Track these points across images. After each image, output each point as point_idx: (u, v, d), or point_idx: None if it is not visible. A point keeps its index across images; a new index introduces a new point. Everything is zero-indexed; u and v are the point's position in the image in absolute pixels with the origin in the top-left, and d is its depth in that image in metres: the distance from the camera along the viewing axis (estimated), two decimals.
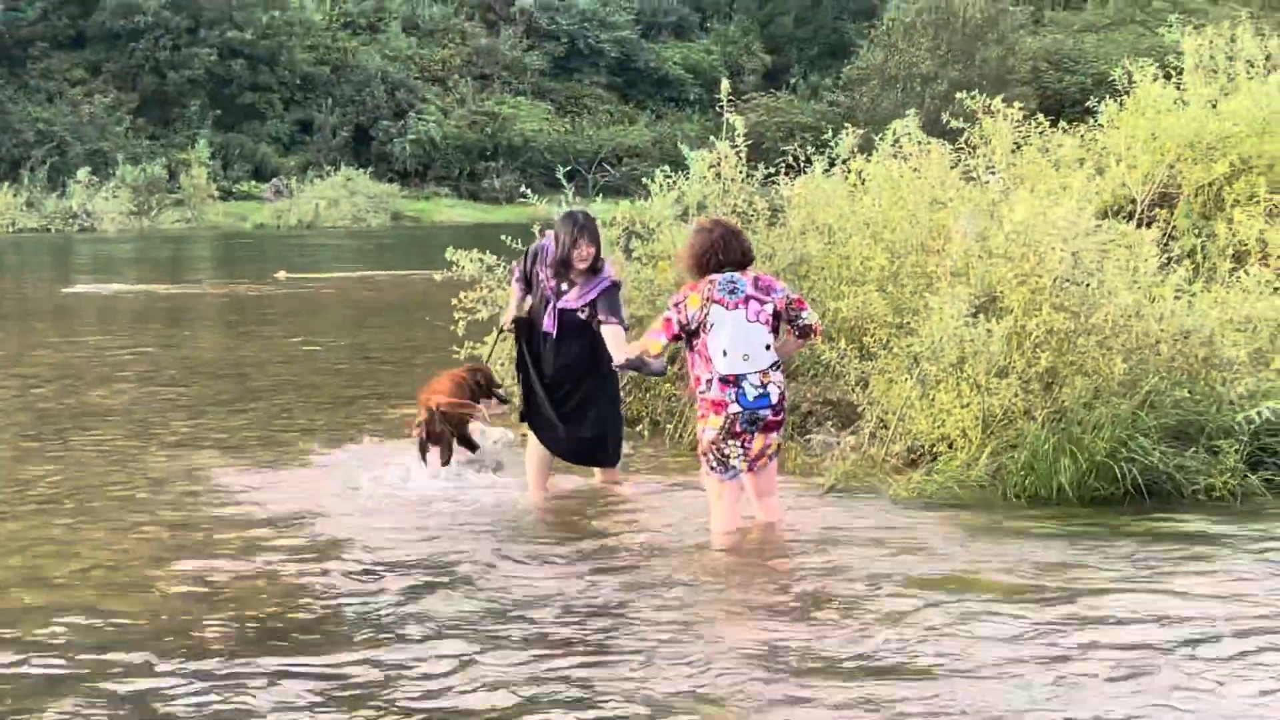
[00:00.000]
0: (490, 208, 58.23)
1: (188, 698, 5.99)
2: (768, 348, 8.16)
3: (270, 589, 7.55)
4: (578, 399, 9.46)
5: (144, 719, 5.84)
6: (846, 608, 7.11)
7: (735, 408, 8.10)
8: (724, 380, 8.12)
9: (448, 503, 9.44)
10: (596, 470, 9.85)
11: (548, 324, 9.34)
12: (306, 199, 54.66)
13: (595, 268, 9.29)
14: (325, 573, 7.82)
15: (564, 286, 9.29)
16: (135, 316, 22.22)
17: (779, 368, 8.25)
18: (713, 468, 8.29)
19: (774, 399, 8.15)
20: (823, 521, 8.81)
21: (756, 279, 8.32)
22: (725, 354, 8.10)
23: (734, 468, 8.24)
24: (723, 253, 8.28)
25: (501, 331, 9.99)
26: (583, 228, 9.22)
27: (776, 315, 8.24)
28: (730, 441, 8.17)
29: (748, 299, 8.18)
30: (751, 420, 8.12)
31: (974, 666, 6.24)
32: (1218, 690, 5.95)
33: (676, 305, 8.30)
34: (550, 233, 9.50)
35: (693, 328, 8.20)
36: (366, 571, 7.85)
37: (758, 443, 8.21)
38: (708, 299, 8.18)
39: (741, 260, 8.33)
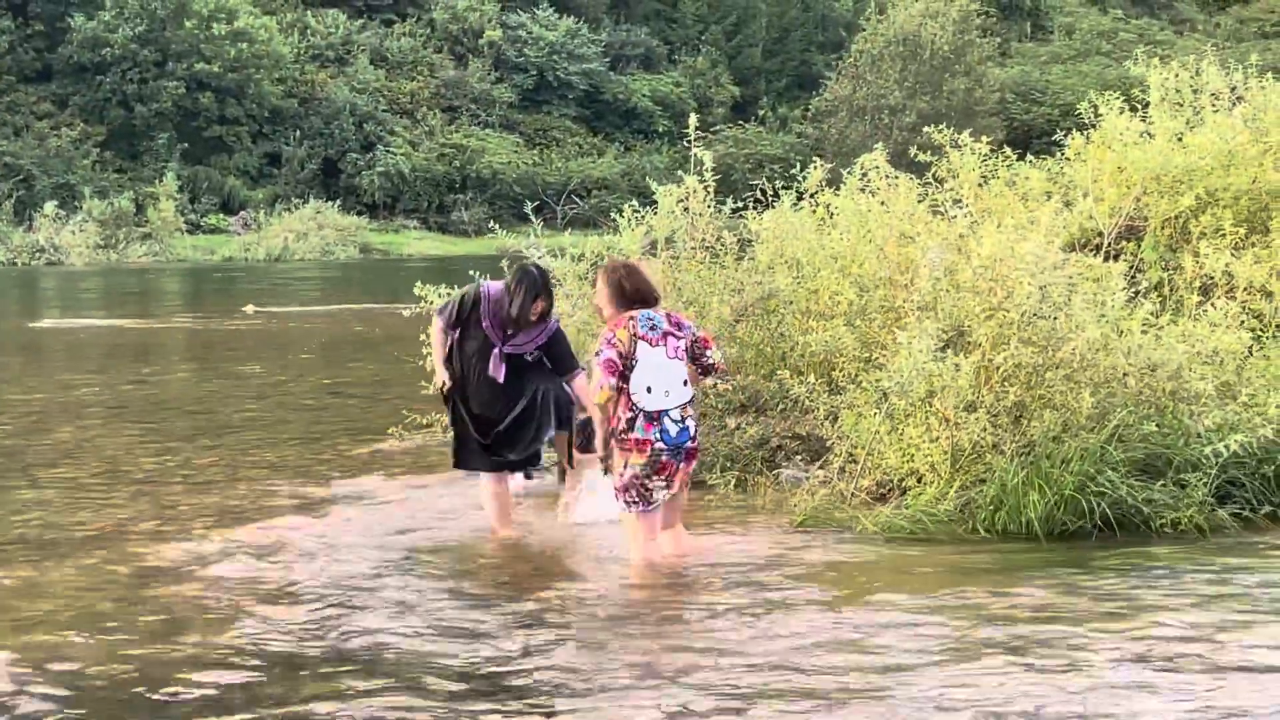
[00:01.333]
0: (459, 240, 58.29)
1: None
2: (685, 383, 8.36)
3: (235, 628, 7.49)
4: (518, 434, 9.44)
5: None
6: (801, 636, 7.10)
7: (660, 445, 8.25)
8: (649, 418, 8.26)
9: (420, 540, 9.40)
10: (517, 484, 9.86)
11: (494, 369, 9.28)
12: (275, 232, 54.63)
13: (543, 318, 9.36)
14: (292, 604, 7.77)
15: (509, 331, 9.28)
16: (103, 351, 22.12)
17: (693, 403, 8.44)
18: (632, 503, 8.40)
19: (692, 432, 8.37)
20: (787, 554, 8.80)
21: (669, 315, 8.53)
22: (650, 390, 8.26)
23: (655, 502, 8.39)
24: (630, 288, 8.44)
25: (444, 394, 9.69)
26: (539, 284, 9.26)
27: (688, 350, 8.45)
28: (655, 478, 8.32)
29: (665, 335, 8.38)
30: (674, 452, 8.29)
31: (944, 701, 6.22)
32: None
33: (610, 343, 8.36)
34: (490, 283, 9.47)
35: (624, 361, 8.30)
36: (332, 607, 7.80)
37: (682, 471, 8.38)
38: (633, 335, 8.33)
39: (647, 297, 8.49)
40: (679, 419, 8.30)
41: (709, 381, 9.09)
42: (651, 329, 8.37)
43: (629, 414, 8.30)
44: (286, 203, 57.88)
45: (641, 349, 8.31)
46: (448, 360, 9.48)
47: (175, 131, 60.39)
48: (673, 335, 8.41)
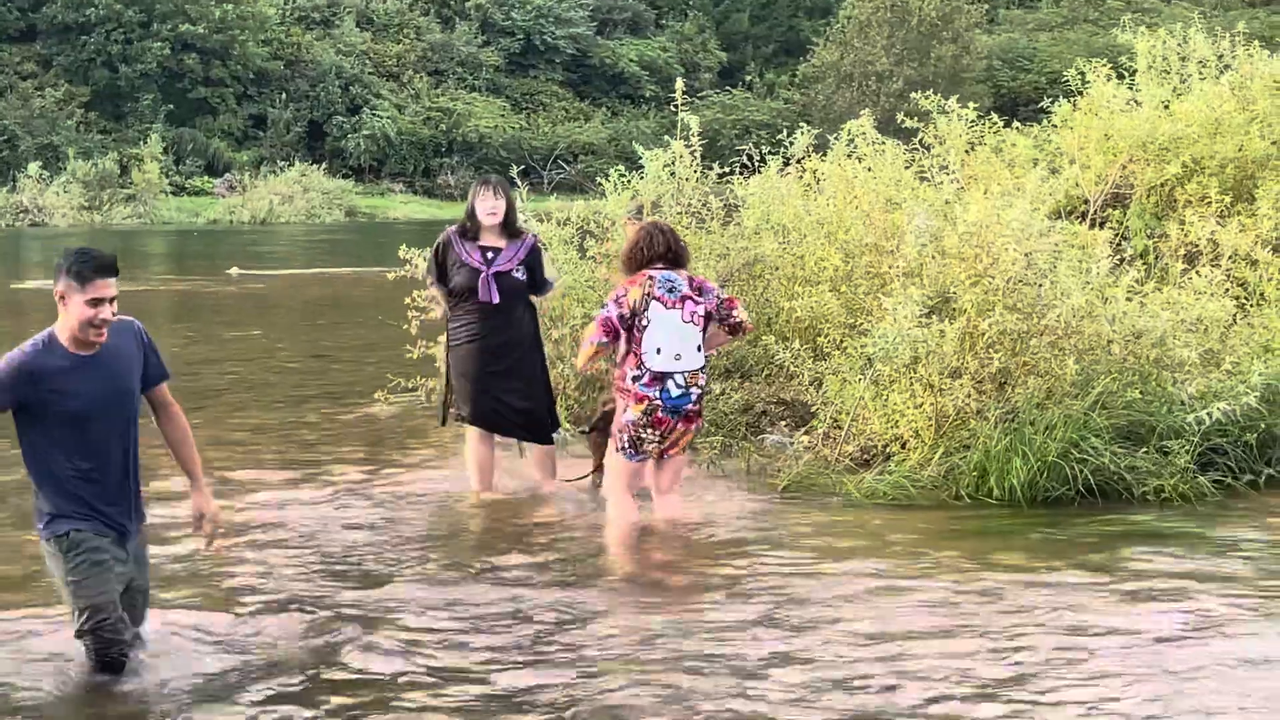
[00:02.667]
0: (445, 204, 58.13)
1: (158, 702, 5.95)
2: (698, 349, 8.37)
3: (220, 587, 7.48)
4: (519, 374, 9.41)
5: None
6: (778, 603, 7.11)
7: (658, 401, 8.33)
8: (654, 377, 8.32)
9: (405, 503, 9.40)
10: (532, 456, 9.76)
11: (485, 294, 9.27)
12: (260, 194, 54.38)
13: (513, 229, 9.39)
14: (268, 573, 7.77)
15: (489, 254, 9.27)
16: None
17: (705, 370, 8.46)
18: (622, 448, 8.49)
19: (694, 399, 8.40)
20: (770, 520, 8.83)
21: (692, 280, 8.52)
22: (659, 351, 8.30)
23: (645, 452, 8.46)
24: (647, 248, 8.48)
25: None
26: (488, 182, 9.46)
27: (708, 316, 8.44)
28: (649, 429, 8.39)
29: (684, 299, 8.37)
30: (674, 410, 8.33)
31: (924, 669, 6.24)
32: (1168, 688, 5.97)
33: (617, 300, 8.43)
34: (453, 226, 9.58)
35: (631, 321, 8.33)
36: (315, 573, 7.80)
37: (678, 431, 8.41)
38: (648, 294, 8.35)
39: (667, 255, 8.49)
40: (683, 384, 8.34)
41: (736, 342, 8.99)
42: (670, 290, 8.38)
43: (635, 371, 8.38)
44: (272, 165, 57.65)
45: (654, 309, 8.34)
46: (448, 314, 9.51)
47: (160, 93, 60.09)
48: (692, 299, 8.41)
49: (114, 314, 5.90)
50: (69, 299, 5.81)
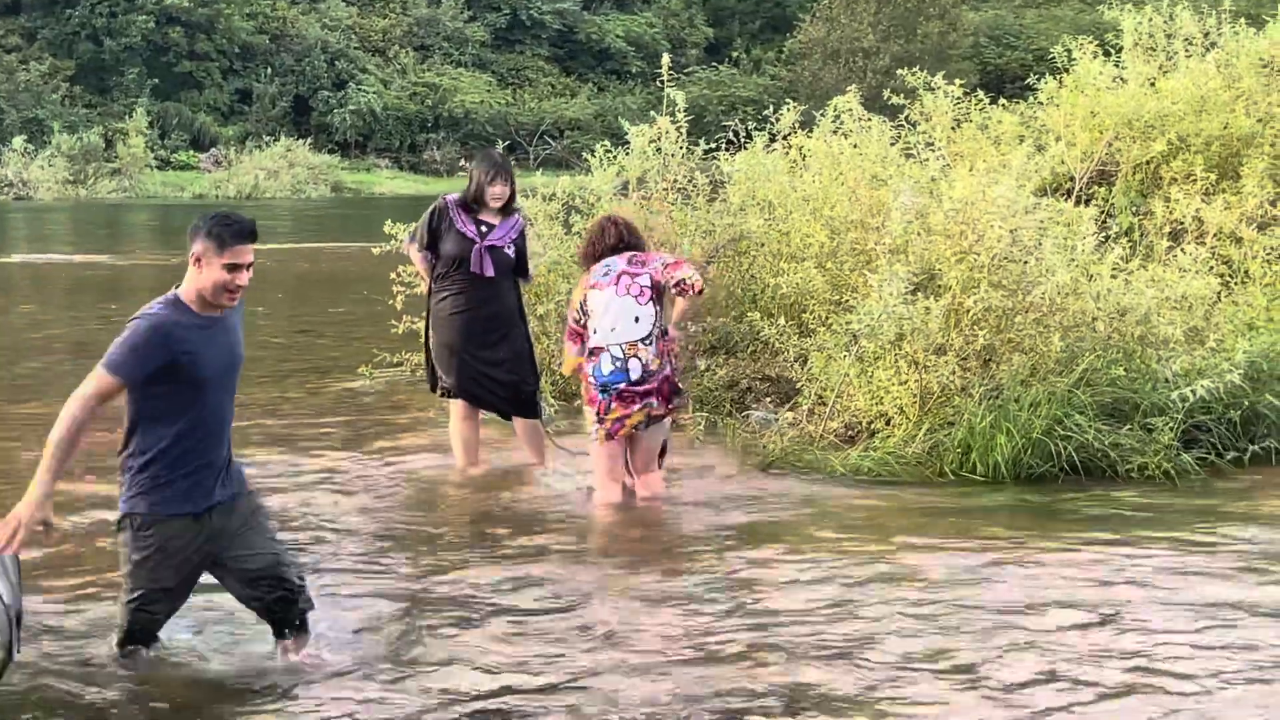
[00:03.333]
0: (430, 179, 57.95)
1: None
2: (636, 320, 8.41)
3: None
4: (505, 347, 9.39)
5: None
6: (755, 578, 7.13)
7: (591, 378, 8.46)
8: (591, 352, 8.47)
9: (387, 479, 9.40)
10: (518, 430, 9.75)
11: (478, 265, 9.27)
12: (245, 169, 54.16)
13: (510, 208, 9.42)
14: None
15: (483, 228, 9.27)
16: (70, 287, 22.01)
17: (652, 341, 8.42)
18: (592, 426, 8.64)
19: (634, 375, 8.40)
20: (754, 496, 8.84)
21: (632, 257, 8.60)
22: (596, 331, 8.44)
23: (590, 432, 8.60)
24: (599, 240, 8.70)
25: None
26: (500, 166, 9.37)
27: (656, 286, 8.49)
28: (587, 408, 8.58)
29: (619, 276, 8.48)
30: (603, 389, 8.43)
31: (902, 647, 6.26)
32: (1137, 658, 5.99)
33: (570, 307, 8.74)
34: (451, 195, 9.52)
35: (579, 317, 8.58)
36: (295, 544, 7.80)
37: (614, 411, 8.44)
38: (585, 288, 8.58)
39: (618, 247, 8.64)
40: (620, 355, 8.39)
41: (688, 306, 8.93)
42: (605, 275, 8.54)
43: (580, 350, 8.61)
44: (257, 140, 57.39)
45: (591, 297, 8.51)
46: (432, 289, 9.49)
47: (145, 66, 59.76)
48: (628, 274, 8.50)
49: (249, 281, 5.80)
50: (205, 261, 5.66)
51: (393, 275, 11.96)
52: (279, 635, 6.01)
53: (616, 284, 8.45)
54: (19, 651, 5.57)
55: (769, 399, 10.82)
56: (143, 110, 56.32)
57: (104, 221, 39.31)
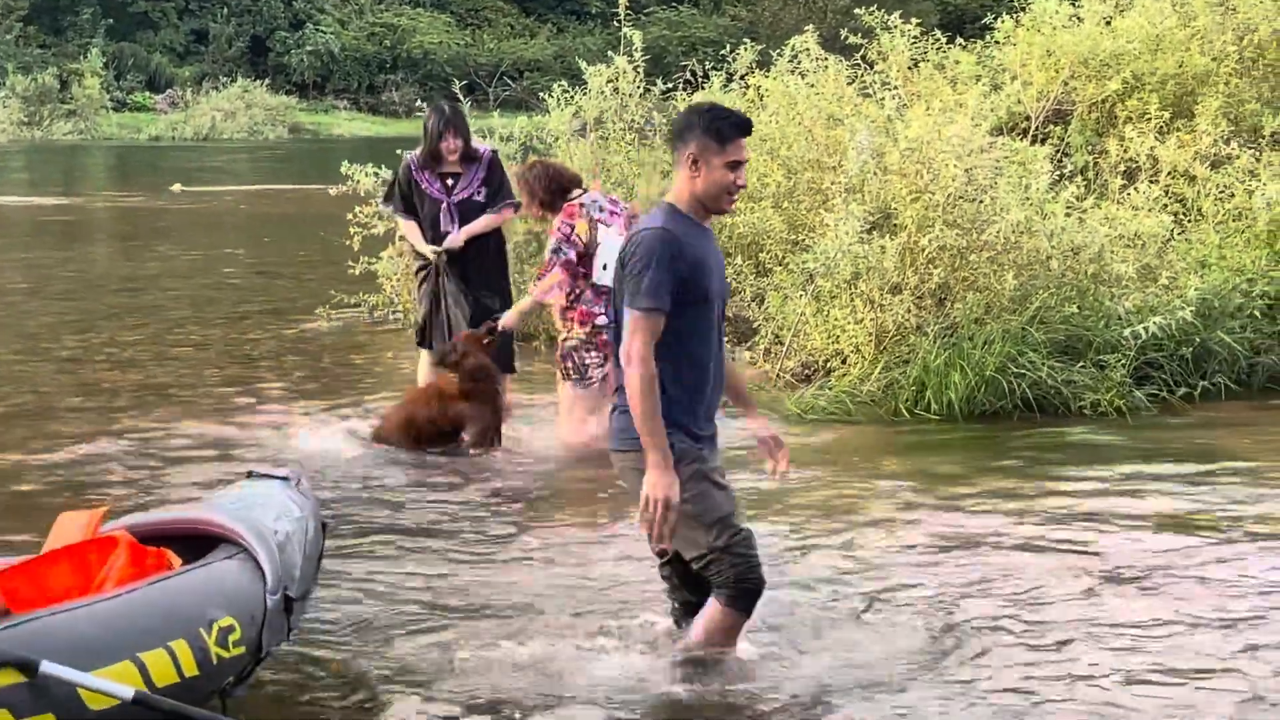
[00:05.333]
0: (389, 121, 57.62)
1: None
2: None
3: (150, 503, 7.49)
4: (485, 303, 9.32)
5: None
6: None
7: (603, 319, 8.24)
8: (598, 291, 8.28)
9: (345, 422, 9.40)
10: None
11: (448, 223, 9.15)
12: (202, 111, 53.76)
13: (470, 155, 9.18)
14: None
15: (449, 182, 9.17)
16: (27, 229, 21.85)
17: None
18: (567, 375, 8.45)
19: None
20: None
21: (607, 196, 8.62)
22: (606, 268, 8.15)
23: (590, 378, 8.40)
24: (557, 177, 8.53)
25: (428, 263, 9.28)
26: (449, 120, 9.10)
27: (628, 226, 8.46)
28: (593, 352, 8.36)
29: (612, 214, 8.43)
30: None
31: (847, 585, 6.33)
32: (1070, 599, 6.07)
33: (569, 239, 8.35)
34: (411, 154, 9.34)
35: (585, 250, 8.33)
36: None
37: None
38: (592, 222, 8.35)
39: (578, 179, 8.63)
40: None
41: None
42: (601, 210, 8.42)
43: (578, 288, 8.36)
44: (214, 81, 56.93)
45: (601, 231, 8.34)
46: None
47: (99, 6, 59.15)
48: (616, 214, 8.48)
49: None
50: (704, 162, 5.04)
51: (350, 216, 11.94)
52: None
53: (615, 222, 8.38)
54: (276, 645, 4.81)
55: (727, 339, 10.83)
56: (98, 51, 55.76)
57: (60, 164, 39.00)
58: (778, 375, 9.90)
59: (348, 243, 11.86)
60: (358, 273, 12.05)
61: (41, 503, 7.41)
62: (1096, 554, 6.63)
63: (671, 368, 5.02)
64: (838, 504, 7.46)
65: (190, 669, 4.23)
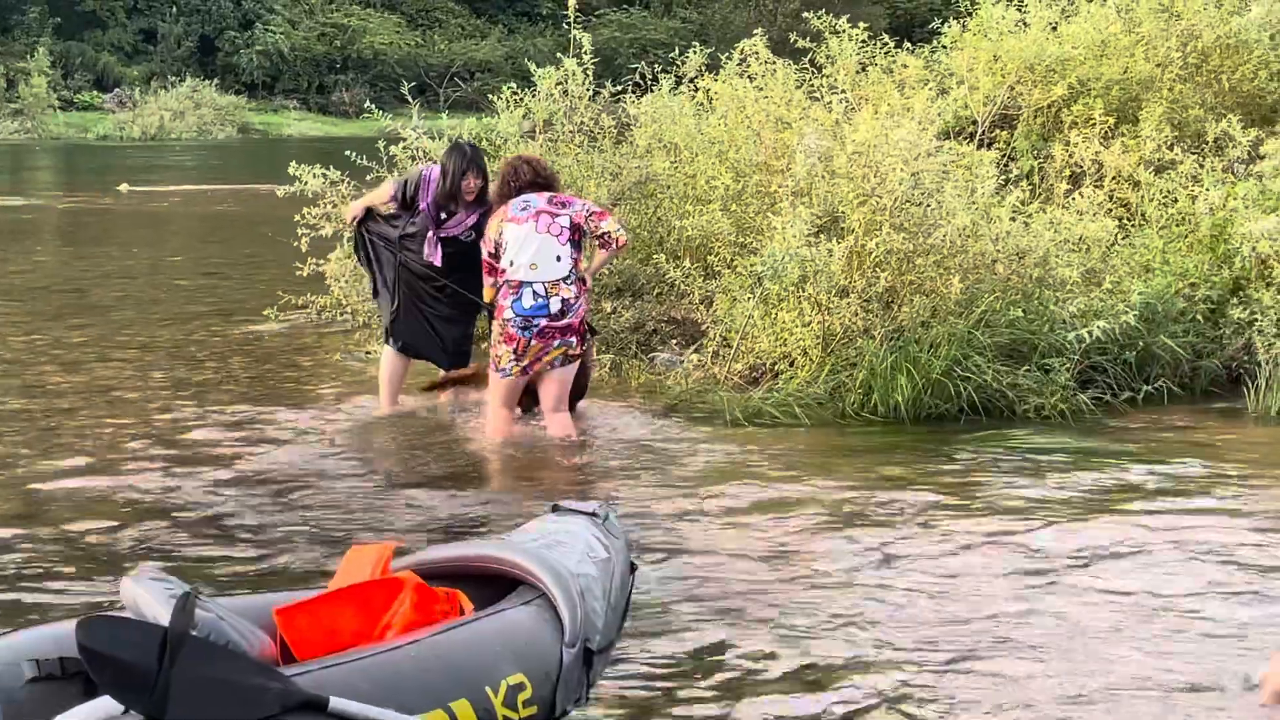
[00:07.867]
0: (339, 121, 57.46)
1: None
2: (558, 259, 8.49)
3: (101, 506, 7.45)
4: (452, 302, 9.33)
5: None
6: (656, 521, 7.21)
7: (509, 313, 8.45)
8: (509, 285, 8.48)
9: (294, 420, 9.39)
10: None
11: (429, 253, 9.18)
12: (151, 110, 53.43)
13: (481, 198, 9.20)
14: (174, 488, 7.76)
15: (443, 215, 9.18)
16: None
17: (573, 281, 8.52)
18: (494, 365, 8.67)
19: (553, 309, 8.47)
20: (658, 437, 8.91)
21: (552, 197, 8.69)
22: (512, 264, 8.48)
23: (505, 369, 8.58)
24: (513, 179, 8.73)
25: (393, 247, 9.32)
26: (471, 160, 9.16)
27: (576, 229, 8.58)
28: (502, 345, 8.55)
29: (538, 213, 8.54)
30: (524, 326, 8.45)
31: (809, 597, 6.36)
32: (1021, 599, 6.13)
33: (485, 240, 8.71)
34: (432, 165, 9.40)
35: (494, 250, 8.58)
36: (202, 482, 7.79)
37: (533, 348, 8.50)
38: (502, 220, 8.60)
39: (534, 181, 8.73)
40: (542, 294, 8.45)
41: (617, 259, 8.95)
42: (522, 209, 8.57)
43: (494, 282, 8.62)
44: (163, 80, 56.59)
45: (508, 230, 8.53)
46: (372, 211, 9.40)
47: (47, 5, 58.76)
48: (548, 213, 8.55)
49: None
50: None
51: (297, 217, 11.91)
52: None
53: (536, 220, 8.49)
54: (573, 705, 4.38)
55: (675, 341, 10.88)
56: (45, 50, 55.33)
57: (5, 163, 38.69)
58: (725, 378, 9.93)
59: (295, 244, 11.83)
60: (306, 274, 12.02)
61: None
62: (1038, 552, 6.69)
63: None
64: (783, 507, 7.49)
65: None
